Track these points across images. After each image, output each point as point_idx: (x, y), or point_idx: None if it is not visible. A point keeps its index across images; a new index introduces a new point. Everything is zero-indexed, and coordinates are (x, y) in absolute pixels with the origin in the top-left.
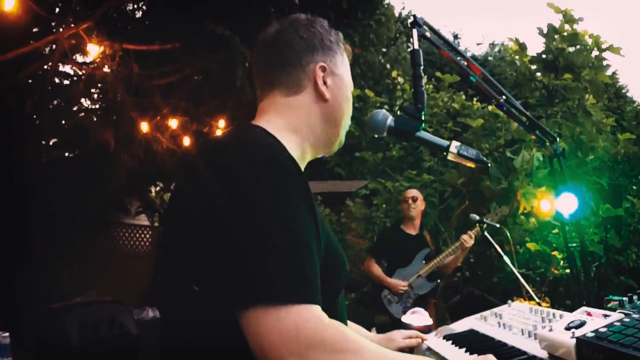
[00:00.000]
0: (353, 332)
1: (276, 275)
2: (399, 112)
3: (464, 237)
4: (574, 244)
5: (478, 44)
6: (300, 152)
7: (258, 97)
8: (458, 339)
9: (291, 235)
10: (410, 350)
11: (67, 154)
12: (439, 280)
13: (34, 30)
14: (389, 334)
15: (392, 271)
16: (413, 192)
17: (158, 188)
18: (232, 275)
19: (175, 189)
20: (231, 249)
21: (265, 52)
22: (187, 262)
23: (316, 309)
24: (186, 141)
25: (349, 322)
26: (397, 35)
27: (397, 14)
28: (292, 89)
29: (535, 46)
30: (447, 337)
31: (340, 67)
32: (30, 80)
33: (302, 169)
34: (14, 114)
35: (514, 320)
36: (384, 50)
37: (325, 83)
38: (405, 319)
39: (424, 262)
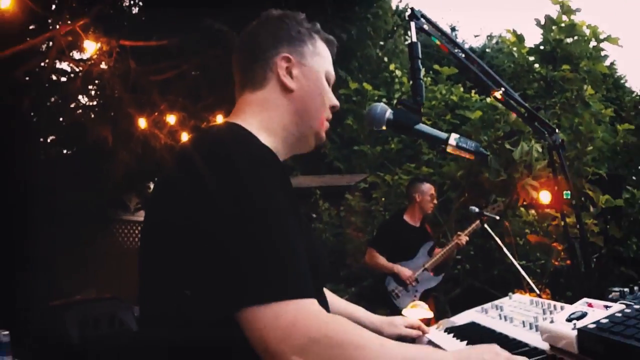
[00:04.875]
0: (354, 325)
1: (270, 272)
2: (397, 105)
3: (461, 240)
4: (574, 236)
5: (476, 36)
6: (275, 151)
7: (235, 98)
8: (459, 332)
9: (281, 232)
10: (412, 340)
11: (65, 151)
12: (443, 274)
13: (30, 27)
14: (391, 318)
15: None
16: (433, 189)
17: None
18: (226, 275)
19: (158, 188)
20: (222, 249)
21: (237, 52)
22: (175, 266)
23: (313, 303)
24: (184, 137)
25: (351, 304)
26: (395, 28)
27: (394, 7)
28: (258, 84)
29: (533, 37)
30: (448, 330)
31: (309, 57)
32: (27, 78)
33: None
34: (11, 112)
35: (515, 313)
36: (382, 43)
37: (290, 74)
38: (405, 312)
39: (428, 255)
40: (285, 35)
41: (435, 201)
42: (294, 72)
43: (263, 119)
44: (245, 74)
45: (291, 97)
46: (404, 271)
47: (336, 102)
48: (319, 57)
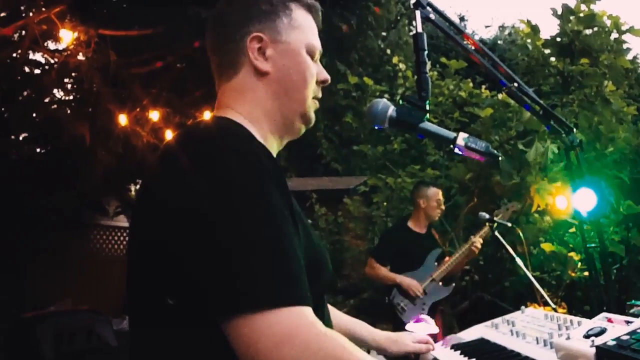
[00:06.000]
0: (352, 344)
1: (261, 276)
2: (400, 102)
3: (475, 243)
4: (593, 244)
5: (486, 27)
6: (263, 141)
7: (216, 88)
8: (467, 349)
9: (273, 233)
10: (417, 357)
11: (38, 150)
12: (453, 284)
13: (1, 15)
14: (397, 334)
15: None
16: (440, 194)
17: (138, 186)
18: (212, 280)
19: (142, 191)
20: (209, 251)
21: (208, 35)
22: (159, 270)
23: (308, 312)
24: (168, 135)
25: (352, 319)
26: (398, 17)
27: None
28: (231, 69)
29: (549, 29)
30: (455, 347)
31: (285, 32)
32: None
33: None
34: None
35: (528, 328)
36: (384, 34)
37: (264, 55)
38: (409, 327)
39: (435, 264)
40: (255, 10)
41: (442, 207)
42: (268, 52)
43: (244, 107)
44: (217, 59)
45: (267, 80)
46: (410, 282)
47: (325, 76)
48: (297, 30)
